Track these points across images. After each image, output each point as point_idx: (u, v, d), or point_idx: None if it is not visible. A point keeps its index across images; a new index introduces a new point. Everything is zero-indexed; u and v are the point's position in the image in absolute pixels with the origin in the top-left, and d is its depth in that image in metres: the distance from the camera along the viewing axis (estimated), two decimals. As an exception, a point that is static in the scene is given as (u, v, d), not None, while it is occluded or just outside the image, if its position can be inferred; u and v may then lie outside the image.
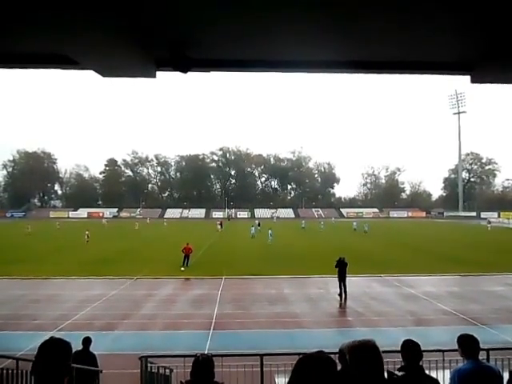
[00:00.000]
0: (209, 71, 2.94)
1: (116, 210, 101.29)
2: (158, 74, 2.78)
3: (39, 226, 54.28)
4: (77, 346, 7.17)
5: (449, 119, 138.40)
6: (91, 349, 7.60)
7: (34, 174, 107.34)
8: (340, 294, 16.29)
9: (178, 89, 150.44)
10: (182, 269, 21.96)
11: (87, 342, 7.54)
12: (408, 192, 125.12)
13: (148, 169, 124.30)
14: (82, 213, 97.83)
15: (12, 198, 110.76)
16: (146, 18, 2.14)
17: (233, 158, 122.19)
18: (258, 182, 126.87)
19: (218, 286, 18.11)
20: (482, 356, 4.24)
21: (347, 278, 16.54)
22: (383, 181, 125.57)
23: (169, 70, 2.67)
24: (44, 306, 14.77)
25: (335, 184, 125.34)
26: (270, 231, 38.99)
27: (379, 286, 18.56)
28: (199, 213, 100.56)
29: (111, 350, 10.23)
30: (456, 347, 4.08)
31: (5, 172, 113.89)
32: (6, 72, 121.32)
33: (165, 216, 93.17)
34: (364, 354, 2.17)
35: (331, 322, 13.51)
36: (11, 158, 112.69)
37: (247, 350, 9.11)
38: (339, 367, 3.62)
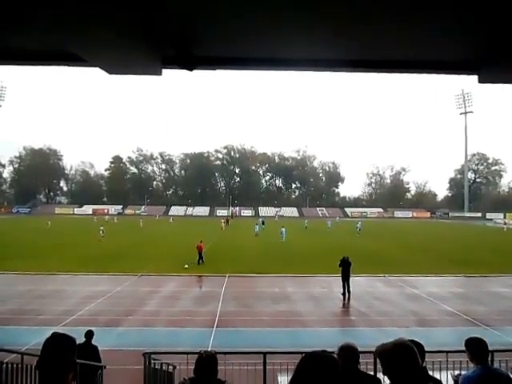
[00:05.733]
0: (215, 69, 2.94)
1: (121, 206, 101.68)
2: (164, 71, 2.79)
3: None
4: (81, 341, 7.24)
5: (455, 119, 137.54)
6: (94, 343, 7.66)
7: (39, 170, 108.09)
8: (343, 294, 16.28)
9: (183, 87, 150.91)
10: (186, 266, 22.02)
11: (89, 335, 7.60)
12: (413, 192, 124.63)
13: (153, 166, 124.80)
14: (87, 209, 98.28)
15: (18, 194, 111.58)
16: (153, 15, 2.15)
17: (237, 156, 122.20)
18: (263, 181, 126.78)
19: (222, 284, 18.15)
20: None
21: (351, 278, 16.53)
22: (388, 180, 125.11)
23: (175, 68, 2.67)
24: (49, 302, 14.89)
25: (340, 183, 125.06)
26: (283, 229, 38.77)
27: (383, 286, 18.51)
28: (203, 210, 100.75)
29: (115, 345, 10.29)
30: (459, 348, 4.02)
31: (11, 168, 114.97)
32: (13, 69, 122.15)
33: (169, 214, 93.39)
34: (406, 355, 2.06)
35: (334, 321, 13.50)
36: (17, 155, 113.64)
37: (250, 347, 9.12)
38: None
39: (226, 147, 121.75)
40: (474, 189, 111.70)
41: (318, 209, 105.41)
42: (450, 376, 5.19)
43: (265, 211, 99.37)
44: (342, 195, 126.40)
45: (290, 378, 1.89)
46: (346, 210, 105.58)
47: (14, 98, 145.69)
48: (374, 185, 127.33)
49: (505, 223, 63.89)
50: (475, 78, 2.83)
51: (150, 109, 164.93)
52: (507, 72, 2.78)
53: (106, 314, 13.46)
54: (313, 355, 1.81)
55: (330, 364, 1.77)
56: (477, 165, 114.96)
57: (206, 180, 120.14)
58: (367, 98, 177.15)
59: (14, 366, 5.89)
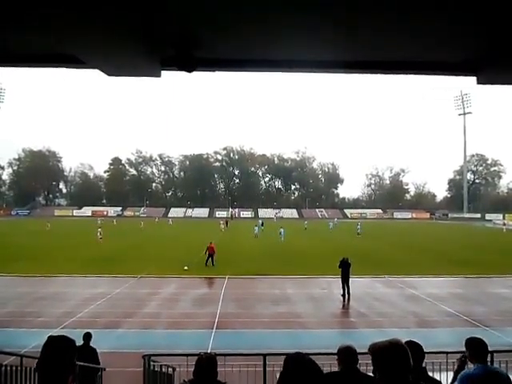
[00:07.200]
0: (214, 71, 2.95)
1: (120, 208, 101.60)
2: (163, 73, 2.79)
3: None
4: (80, 343, 7.22)
5: (454, 120, 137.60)
6: (92, 345, 7.64)
7: (39, 172, 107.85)
8: (343, 295, 16.26)
9: (182, 88, 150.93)
10: (186, 268, 21.96)
11: (88, 337, 7.60)
12: (412, 193, 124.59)
13: (152, 168, 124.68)
14: (87, 211, 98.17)
15: (17, 196, 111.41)
16: (152, 17, 2.15)
17: (236, 157, 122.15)
18: (262, 182, 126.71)
19: (222, 286, 18.13)
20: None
21: (350, 279, 16.52)
22: (387, 182, 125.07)
23: (174, 70, 2.68)
24: (48, 304, 14.85)
25: (339, 184, 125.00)
26: (281, 230, 39.46)
27: (383, 287, 18.50)
28: (203, 212, 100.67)
29: (114, 348, 10.27)
30: (460, 349, 4.02)
31: (10, 170, 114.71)
32: (12, 71, 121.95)
33: (168, 215, 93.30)
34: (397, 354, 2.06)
35: (334, 322, 13.49)
36: (17, 157, 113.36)
37: (250, 349, 9.11)
38: (336, 368, 3.62)
39: (225, 148, 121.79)
40: (473, 190, 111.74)
41: (317, 210, 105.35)
42: (450, 377, 5.19)
43: (264, 212, 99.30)
44: (341, 196, 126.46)
45: None
46: (346, 211, 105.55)
47: (14, 100, 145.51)
48: (373, 186, 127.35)
49: (504, 224, 63.80)
50: (474, 79, 2.84)
51: (149, 110, 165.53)
52: (506, 73, 2.79)
53: (105, 315, 13.43)
54: (292, 357, 2.03)
55: (309, 363, 2.00)
56: (476, 166, 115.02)
57: (206, 181, 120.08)
58: (366, 99, 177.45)
59: (14, 368, 5.87)
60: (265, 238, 41.69)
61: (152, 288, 17.71)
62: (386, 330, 11.99)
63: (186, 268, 21.96)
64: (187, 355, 5.95)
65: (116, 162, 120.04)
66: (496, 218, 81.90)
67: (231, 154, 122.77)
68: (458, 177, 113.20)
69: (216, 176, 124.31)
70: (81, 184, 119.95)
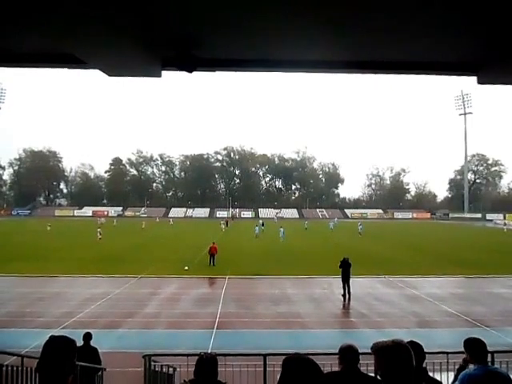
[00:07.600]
0: (214, 71, 2.95)
1: (121, 208, 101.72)
2: (164, 73, 2.79)
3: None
4: (81, 343, 7.23)
5: (455, 120, 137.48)
6: (92, 344, 7.65)
7: (39, 172, 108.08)
8: (344, 295, 16.26)
9: (182, 88, 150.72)
10: (186, 268, 21.96)
11: (88, 337, 7.61)
12: (413, 193, 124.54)
13: (153, 168, 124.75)
14: (87, 211, 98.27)
15: (18, 197, 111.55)
16: (152, 17, 2.15)
17: (237, 157, 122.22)
18: (263, 182, 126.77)
19: (222, 286, 18.13)
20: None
21: (351, 279, 16.51)
22: (388, 182, 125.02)
23: (174, 70, 2.68)
24: (49, 304, 14.86)
25: (339, 184, 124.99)
26: (281, 229, 39.99)
27: (383, 287, 18.49)
28: (203, 212, 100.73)
29: (115, 348, 10.27)
30: (460, 349, 4.01)
31: (11, 170, 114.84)
32: (12, 71, 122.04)
33: (169, 215, 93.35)
34: (399, 355, 2.06)
35: (334, 322, 13.48)
36: (17, 157, 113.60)
37: (250, 349, 9.11)
38: (335, 368, 3.62)
39: (225, 149, 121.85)
40: (473, 189, 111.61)
41: (317, 210, 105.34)
42: (450, 377, 5.18)
43: (265, 212, 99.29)
44: (341, 196, 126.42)
45: None
46: (346, 211, 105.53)
47: (14, 100, 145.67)
48: (373, 186, 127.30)
49: (505, 224, 63.72)
50: (474, 79, 2.84)
51: (150, 110, 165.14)
52: (506, 73, 2.79)
53: (106, 316, 13.43)
54: (290, 358, 1.99)
55: (308, 364, 1.94)
56: (476, 166, 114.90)
57: (206, 182, 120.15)
58: (367, 99, 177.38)
59: (15, 368, 5.88)
60: (265, 238, 41.70)
61: (152, 288, 17.71)
62: (387, 330, 11.98)
63: (186, 268, 21.95)
64: (188, 355, 5.94)
65: (116, 162, 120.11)
66: (497, 217, 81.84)
67: (232, 154, 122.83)
68: (458, 177, 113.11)
69: (216, 176, 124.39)
70: (81, 184, 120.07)
